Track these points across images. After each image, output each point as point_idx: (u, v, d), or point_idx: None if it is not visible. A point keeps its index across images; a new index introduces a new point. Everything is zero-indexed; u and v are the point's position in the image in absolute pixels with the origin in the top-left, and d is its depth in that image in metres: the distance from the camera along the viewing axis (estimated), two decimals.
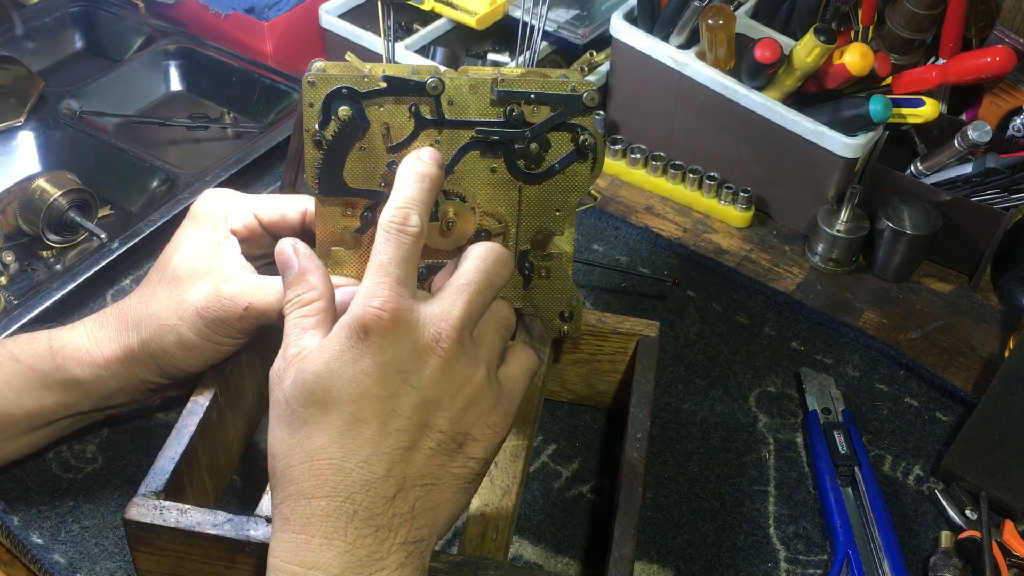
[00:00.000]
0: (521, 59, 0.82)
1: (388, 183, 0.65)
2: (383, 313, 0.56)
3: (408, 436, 0.56)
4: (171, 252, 0.72)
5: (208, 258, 0.70)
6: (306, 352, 0.57)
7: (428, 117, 0.65)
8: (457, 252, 0.66)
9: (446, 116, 0.65)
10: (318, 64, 0.65)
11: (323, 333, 0.58)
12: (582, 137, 0.65)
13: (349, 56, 0.67)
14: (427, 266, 0.68)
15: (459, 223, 0.67)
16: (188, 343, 0.70)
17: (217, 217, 0.72)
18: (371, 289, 0.57)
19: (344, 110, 0.64)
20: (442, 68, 0.66)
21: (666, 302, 0.96)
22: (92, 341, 0.72)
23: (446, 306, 0.58)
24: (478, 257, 0.61)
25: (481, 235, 0.68)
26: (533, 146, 0.65)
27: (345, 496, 0.54)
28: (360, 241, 0.69)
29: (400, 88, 0.64)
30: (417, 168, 0.62)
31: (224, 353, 0.71)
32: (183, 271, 0.70)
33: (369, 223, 0.68)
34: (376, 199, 0.67)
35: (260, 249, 0.75)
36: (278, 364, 0.58)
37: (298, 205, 0.73)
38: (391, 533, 0.55)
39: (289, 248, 0.63)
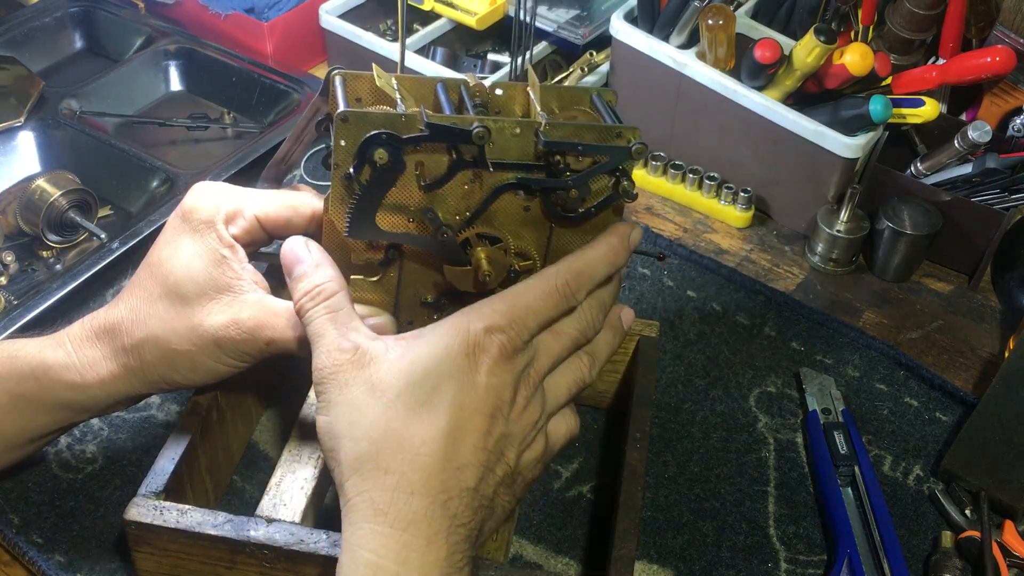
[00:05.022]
0: (519, 60, 0.82)
1: (419, 223, 0.63)
2: (507, 346, 0.57)
3: (491, 459, 0.57)
4: (166, 259, 0.67)
5: (216, 275, 0.66)
6: (381, 343, 0.57)
7: (467, 158, 0.61)
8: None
9: (487, 159, 0.61)
10: (337, 77, 0.63)
11: (358, 323, 0.59)
12: (623, 184, 0.63)
13: (376, 69, 0.64)
14: (446, 295, 0.66)
15: (494, 272, 0.63)
16: (203, 368, 0.67)
17: (216, 221, 0.67)
18: (505, 317, 0.58)
19: (381, 154, 0.59)
20: (471, 81, 0.64)
21: (666, 302, 0.96)
22: (81, 361, 0.67)
23: (540, 355, 0.61)
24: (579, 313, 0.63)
25: (510, 275, 0.65)
26: (573, 193, 0.62)
27: (446, 499, 0.54)
28: (383, 272, 0.66)
29: (443, 136, 0.59)
30: (611, 261, 0.63)
31: (239, 370, 0.68)
32: (188, 289, 0.65)
33: (393, 259, 0.65)
34: (406, 242, 0.64)
35: (255, 247, 0.71)
36: (340, 350, 0.57)
37: (304, 204, 0.69)
38: (470, 547, 0.56)
39: (302, 245, 0.62)
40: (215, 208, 0.67)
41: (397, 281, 0.65)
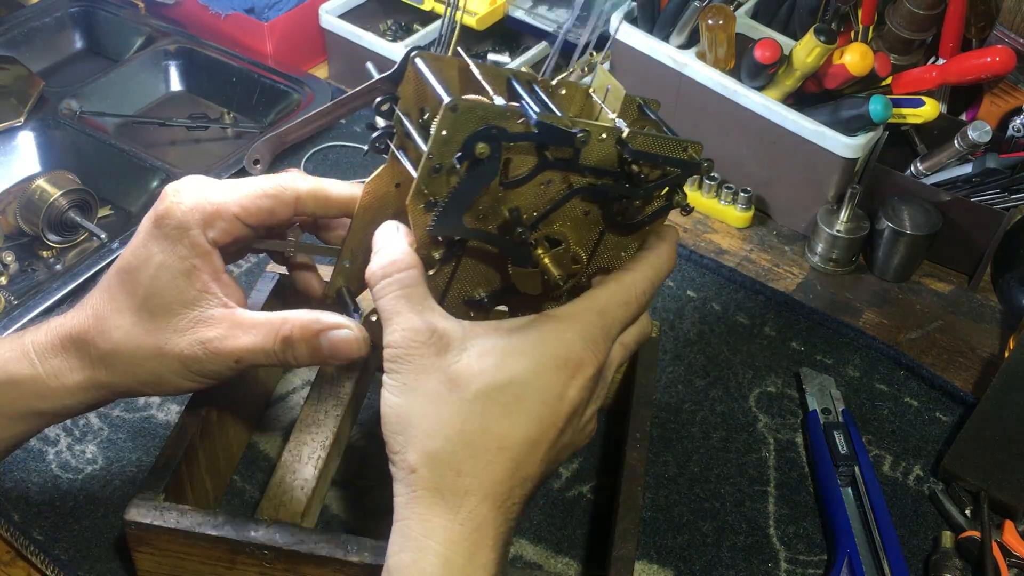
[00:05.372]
0: (523, 58, 0.80)
1: (495, 221, 0.60)
2: (598, 363, 0.57)
3: (550, 469, 0.58)
4: (135, 269, 0.63)
5: (184, 288, 0.62)
6: (458, 327, 0.56)
7: (553, 160, 0.58)
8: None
9: (578, 162, 0.59)
10: (419, 59, 0.59)
11: (433, 303, 0.57)
12: (677, 197, 0.63)
13: (463, 54, 0.61)
14: (494, 293, 0.64)
15: (564, 275, 0.61)
16: (170, 384, 0.64)
17: (191, 226, 0.62)
18: (599, 333, 0.58)
19: (483, 149, 0.55)
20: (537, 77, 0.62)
21: (666, 302, 0.96)
22: (47, 372, 0.64)
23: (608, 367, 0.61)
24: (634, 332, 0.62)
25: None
26: (637, 202, 0.62)
27: (509, 504, 0.55)
28: (438, 268, 0.62)
29: (549, 136, 0.57)
30: (671, 268, 0.63)
31: (209, 385, 0.66)
32: (155, 303, 0.62)
33: (453, 255, 0.61)
34: (483, 240, 0.61)
35: (239, 244, 0.67)
36: (415, 330, 0.55)
37: (285, 189, 0.65)
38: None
39: (393, 229, 0.59)
40: (191, 211, 0.63)
41: (450, 278, 0.63)
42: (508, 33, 1.22)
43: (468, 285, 0.64)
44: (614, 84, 0.64)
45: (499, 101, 0.56)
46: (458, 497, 0.54)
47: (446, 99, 0.53)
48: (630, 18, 1.07)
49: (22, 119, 1.07)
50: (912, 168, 1.02)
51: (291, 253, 0.69)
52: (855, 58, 0.95)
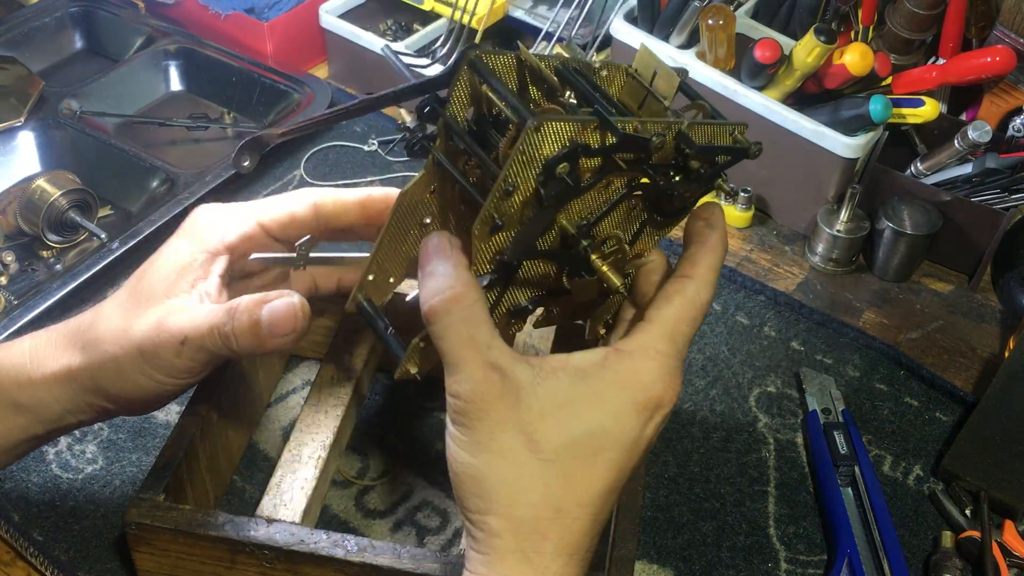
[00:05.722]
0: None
1: (559, 234, 0.56)
2: (675, 394, 0.53)
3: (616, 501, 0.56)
4: (146, 266, 0.65)
5: (173, 281, 0.63)
6: (528, 369, 0.51)
7: (622, 164, 0.54)
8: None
9: (646, 164, 0.55)
10: (481, 65, 0.53)
11: (499, 340, 0.52)
12: (720, 180, 0.60)
13: (521, 47, 0.57)
14: (534, 301, 0.60)
15: (623, 283, 0.57)
16: (128, 378, 0.63)
17: (205, 231, 0.65)
18: (674, 364, 0.53)
19: (564, 167, 0.50)
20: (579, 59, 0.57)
21: None
22: (32, 360, 0.64)
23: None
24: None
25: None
26: (688, 194, 0.58)
27: (587, 556, 0.53)
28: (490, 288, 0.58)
29: (629, 146, 0.53)
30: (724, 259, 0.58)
31: (169, 393, 0.65)
32: (144, 290, 0.63)
33: (508, 274, 0.57)
34: (551, 258, 0.57)
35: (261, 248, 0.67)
36: (486, 379, 0.51)
37: (303, 200, 0.66)
38: None
39: (445, 241, 0.53)
40: (209, 221, 0.65)
41: (498, 296, 0.58)
42: (508, 33, 1.22)
43: (514, 297, 0.60)
44: (663, 68, 0.59)
45: (573, 107, 0.53)
46: (543, 557, 0.51)
47: (525, 117, 0.49)
48: (630, 18, 1.07)
49: (22, 119, 1.07)
50: (912, 168, 1.02)
51: (300, 266, 0.66)
52: (855, 58, 0.95)
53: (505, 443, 0.50)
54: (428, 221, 0.61)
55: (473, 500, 0.52)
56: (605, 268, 0.56)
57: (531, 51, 0.57)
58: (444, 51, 1.16)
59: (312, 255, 0.66)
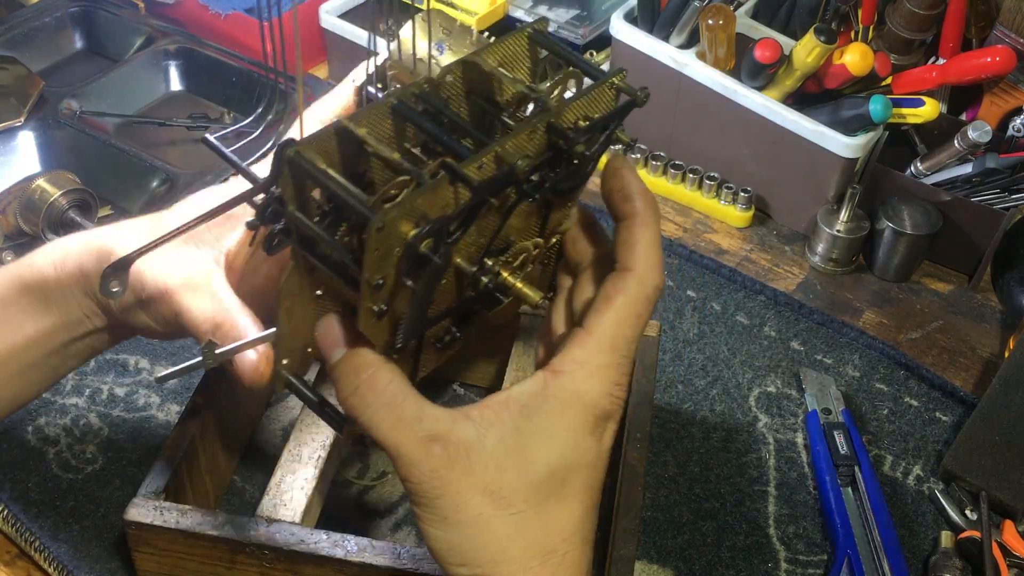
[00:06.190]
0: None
1: (459, 283, 0.52)
2: (624, 399, 0.51)
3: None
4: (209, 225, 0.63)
5: (211, 228, 0.64)
6: (468, 426, 0.49)
7: (496, 202, 0.49)
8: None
9: (519, 179, 0.49)
10: (302, 160, 0.46)
11: (425, 405, 0.50)
12: (617, 134, 0.54)
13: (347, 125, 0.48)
14: (451, 332, 0.57)
15: (540, 297, 0.54)
16: (73, 300, 0.64)
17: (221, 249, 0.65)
18: (617, 374, 0.50)
19: (427, 243, 0.46)
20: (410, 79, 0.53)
21: (666, 302, 0.96)
22: (59, 259, 0.65)
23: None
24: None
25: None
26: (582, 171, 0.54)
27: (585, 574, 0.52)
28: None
29: (490, 190, 0.48)
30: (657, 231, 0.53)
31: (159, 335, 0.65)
32: (167, 226, 0.58)
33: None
34: (453, 313, 0.54)
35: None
36: (428, 455, 0.48)
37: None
38: None
39: (334, 325, 0.52)
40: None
41: (417, 349, 0.55)
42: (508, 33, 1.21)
43: (430, 341, 0.56)
44: (506, 40, 0.53)
45: (417, 175, 0.47)
46: None
47: (365, 217, 0.44)
48: (630, 18, 1.07)
49: (22, 119, 1.07)
50: (912, 168, 1.02)
51: (209, 365, 0.62)
52: (855, 58, 0.95)
53: (472, 510, 0.48)
54: (320, 292, 0.54)
55: (458, 569, 0.50)
56: (520, 286, 0.53)
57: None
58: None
59: (218, 351, 0.62)
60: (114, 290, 0.55)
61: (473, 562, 0.49)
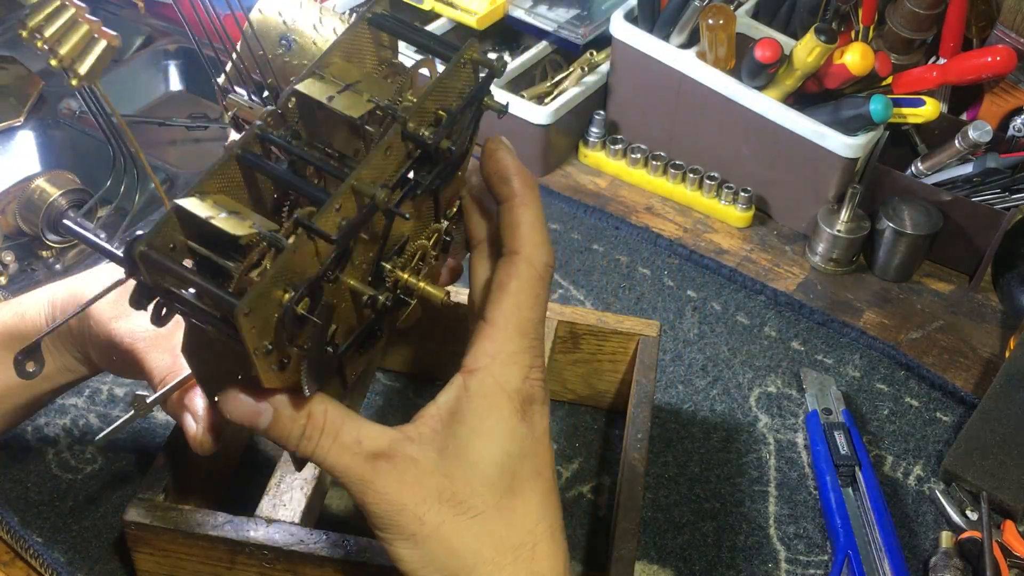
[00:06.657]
0: (523, 58, 0.79)
1: (355, 310, 0.51)
2: (543, 375, 0.52)
3: None
4: None
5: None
6: (407, 442, 0.49)
7: (366, 236, 0.49)
8: None
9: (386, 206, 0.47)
10: (147, 260, 0.45)
11: (361, 425, 0.50)
12: (486, 101, 0.53)
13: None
14: (363, 341, 0.55)
15: (445, 295, 0.54)
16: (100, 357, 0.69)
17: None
18: (530, 357, 0.51)
19: (304, 304, 0.46)
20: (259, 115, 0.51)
21: (666, 302, 0.96)
22: (45, 315, 0.68)
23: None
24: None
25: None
26: (455, 150, 0.51)
27: (562, 555, 0.52)
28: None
29: (351, 234, 0.47)
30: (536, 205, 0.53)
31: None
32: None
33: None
34: (359, 340, 0.53)
35: None
36: (379, 477, 0.49)
37: None
38: None
39: (242, 398, 0.50)
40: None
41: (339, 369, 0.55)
42: (508, 33, 1.21)
43: (357, 343, 0.54)
44: (343, 41, 0.52)
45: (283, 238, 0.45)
46: None
47: (228, 306, 0.43)
48: (630, 18, 1.07)
49: (22, 119, 1.07)
50: (912, 168, 1.02)
51: (141, 415, 0.66)
52: (855, 58, 0.95)
53: (434, 520, 0.49)
54: (217, 346, 0.52)
55: None
56: (423, 286, 0.53)
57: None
58: None
59: (149, 400, 0.65)
60: (30, 371, 0.54)
61: (448, 571, 0.50)
